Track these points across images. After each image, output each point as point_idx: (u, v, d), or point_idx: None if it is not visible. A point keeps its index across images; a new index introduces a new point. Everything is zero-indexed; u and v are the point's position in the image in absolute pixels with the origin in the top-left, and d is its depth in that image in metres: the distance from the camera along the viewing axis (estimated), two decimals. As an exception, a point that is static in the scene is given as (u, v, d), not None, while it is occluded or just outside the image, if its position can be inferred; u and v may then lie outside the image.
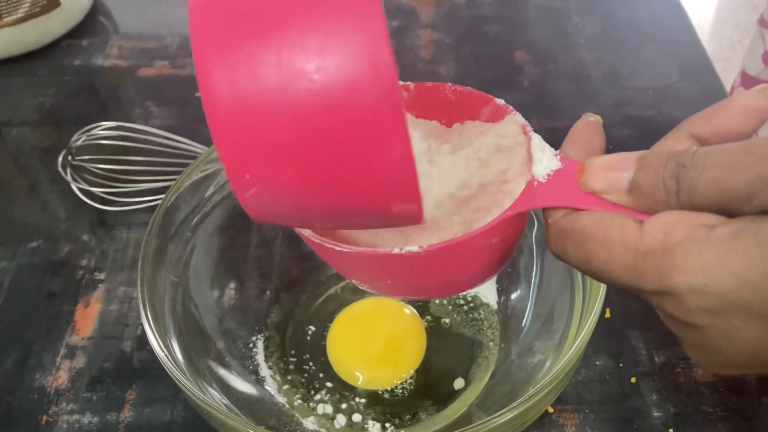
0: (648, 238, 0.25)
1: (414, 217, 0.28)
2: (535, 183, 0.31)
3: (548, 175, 0.31)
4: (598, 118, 0.32)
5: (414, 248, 0.31)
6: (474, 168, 0.35)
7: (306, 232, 0.34)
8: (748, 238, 0.23)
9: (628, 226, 0.26)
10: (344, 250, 0.32)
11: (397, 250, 0.31)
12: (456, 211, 0.33)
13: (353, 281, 0.37)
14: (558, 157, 0.31)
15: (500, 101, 0.37)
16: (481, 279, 0.36)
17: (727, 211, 0.25)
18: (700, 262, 0.24)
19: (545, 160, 0.31)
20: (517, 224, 0.34)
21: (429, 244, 0.31)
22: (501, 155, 0.35)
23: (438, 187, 0.34)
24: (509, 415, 0.37)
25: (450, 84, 0.38)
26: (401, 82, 0.38)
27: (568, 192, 0.30)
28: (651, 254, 0.25)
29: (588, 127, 0.31)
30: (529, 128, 0.34)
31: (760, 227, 0.23)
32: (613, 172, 0.27)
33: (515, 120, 0.35)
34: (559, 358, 0.43)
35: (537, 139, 0.33)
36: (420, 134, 0.37)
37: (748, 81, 0.73)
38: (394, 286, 0.36)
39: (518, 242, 0.36)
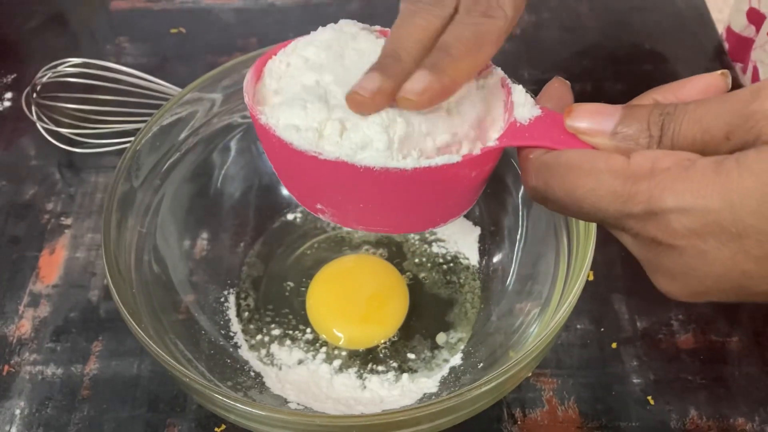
0: (636, 166, 0.27)
1: None
2: (518, 125, 0.32)
3: (530, 119, 0.32)
4: (567, 81, 0.34)
5: (401, 165, 0.31)
6: (454, 117, 0.34)
7: (285, 135, 0.32)
8: (731, 164, 0.25)
9: (614, 157, 0.28)
10: (328, 158, 0.31)
11: (381, 166, 0.31)
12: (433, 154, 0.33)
13: (318, 205, 0.35)
14: (538, 106, 0.33)
15: None
16: (448, 216, 0.36)
17: (706, 153, 0.26)
18: (688, 183, 0.25)
19: (527, 106, 0.33)
20: (491, 164, 0.34)
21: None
22: (481, 104, 0.35)
23: (417, 136, 0.33)
24: (489, 385, 0.35)
25: None
26: (379, 27, 0.38)
27: (549, 134, 0.31)
28: (640, 179, 0.26)
29: (562, 85, 0.34)
30: (509, 80, 0.35)
31: (741, 155, 0.25)
32: (600, 116, 0.29)
33: (495, 74, 0.36)
34: (543, 322, 0.42)
35: (519, 87, 0.34)
36: None
37: (732, 37, 0.71)
38: (361, 212, 0.35)
39: (482, 189, 0.36)
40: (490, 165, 0.34)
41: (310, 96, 0.33)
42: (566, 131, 0.30)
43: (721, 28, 0.74)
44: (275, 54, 0.37)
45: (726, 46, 0.71)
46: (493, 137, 0.33)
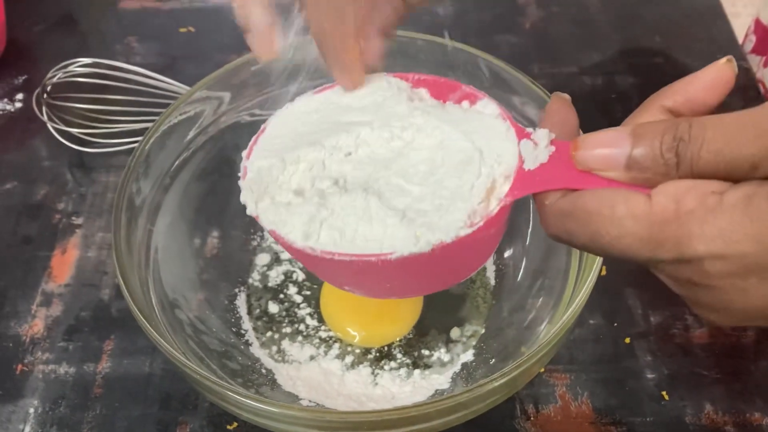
0: (659, 208, 0.25)
1: None
2: (526, 169, 0.30)
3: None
4: (567, 95, 0.32)
5: (417, 250, 0.30)
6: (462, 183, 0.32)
7: (307, 249, 0.31)
8: (761, 202, 0.24)
9: (635, 199, 0.26)
10: (343, 259, 0.30)
11: (396, 255, 0.30)
12: (441, 202, 0.32)
13: (345, 287, 0.36)
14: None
15: (468, 87, 0.35)
16: (476, 267, 0.36)
17: (731, 179, 0.25)
18: (717, 228, 0.24)
19: (541, 147, 0.30)
20: (507, 213, 0.32)
21: (428, 238, 0.30)
22: (488, 157, 0.32)
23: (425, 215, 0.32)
24: (501, 380, 0.35)
25: (414, 74, 0.36)
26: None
27: (562, 173, 0.29)
28: (666, 224, 0.25)
29: (563, 105, 0.31)
30: (506, 113, 0.33)
31: None
32: (609, 149, 0.27)
33: (490, 105, 0.34)
34: (555, 317, 0.42)
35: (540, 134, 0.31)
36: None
37: (760, 29, 0.70)
38: (387, 288, 0.35)
39: (504, 231, 0.35)
40: (506, 215, 0.32)
41: (306, 195, 0.33)
42: None
43: (734, 22, 0.73)
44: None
45: (753, 38, 0.70)
46: (503, 189, 0.31)
